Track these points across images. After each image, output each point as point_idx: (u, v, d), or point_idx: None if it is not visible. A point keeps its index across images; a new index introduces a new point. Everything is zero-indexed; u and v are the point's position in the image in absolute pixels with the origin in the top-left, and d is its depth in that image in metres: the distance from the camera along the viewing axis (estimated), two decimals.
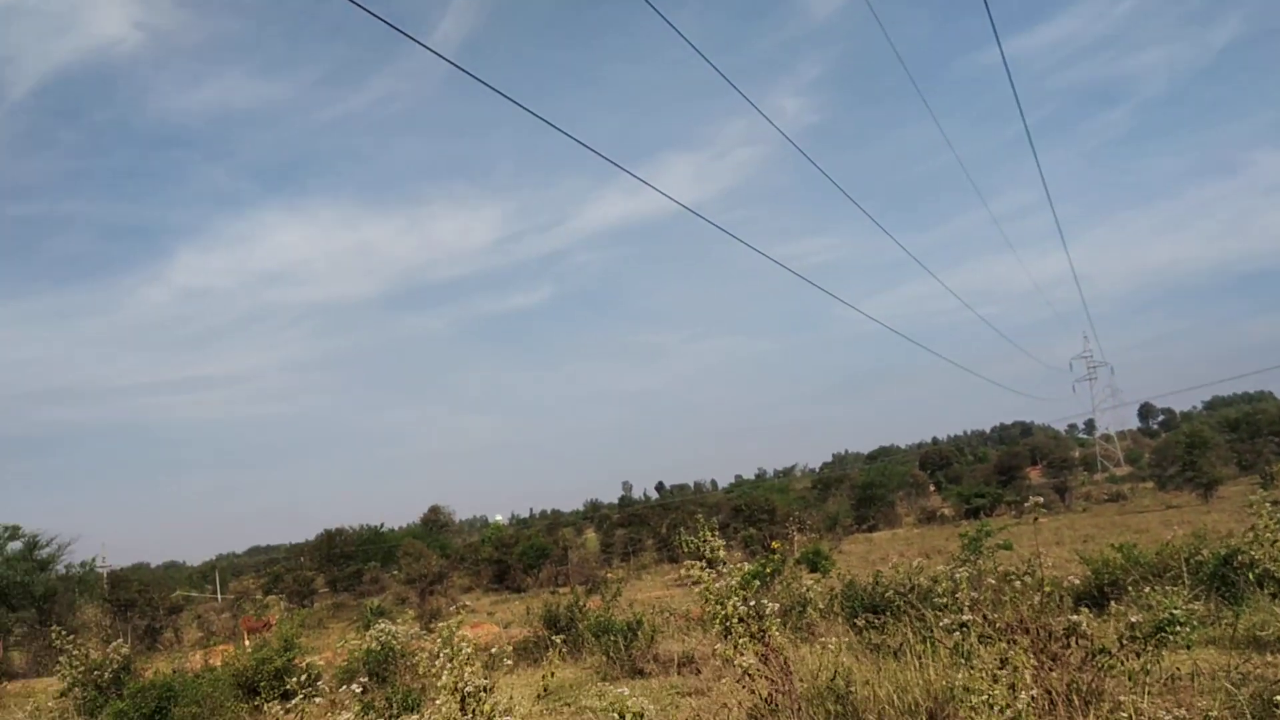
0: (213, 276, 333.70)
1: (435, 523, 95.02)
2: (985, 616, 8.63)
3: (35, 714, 16.90)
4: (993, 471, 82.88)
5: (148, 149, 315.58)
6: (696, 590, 9.20)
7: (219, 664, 18.81)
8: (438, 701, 7.37)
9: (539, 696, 11.93)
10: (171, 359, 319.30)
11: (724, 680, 12.50)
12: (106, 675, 18.57)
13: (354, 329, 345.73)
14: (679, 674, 14.14)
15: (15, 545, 44.70)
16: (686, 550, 10.01)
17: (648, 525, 57.63)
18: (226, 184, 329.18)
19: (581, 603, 20.05)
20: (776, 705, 8.60)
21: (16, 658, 33.93)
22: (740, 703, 10.17)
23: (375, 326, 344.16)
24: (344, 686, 10.56)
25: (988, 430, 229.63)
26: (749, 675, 8.76)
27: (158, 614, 37.06)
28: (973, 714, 6.98)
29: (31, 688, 25.49)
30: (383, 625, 19.15)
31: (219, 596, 61.03)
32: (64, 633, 20.75)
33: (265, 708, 12.16)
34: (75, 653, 19.22)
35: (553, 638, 15.68)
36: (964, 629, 8.67)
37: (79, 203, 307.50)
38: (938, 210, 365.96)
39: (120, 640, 21.24)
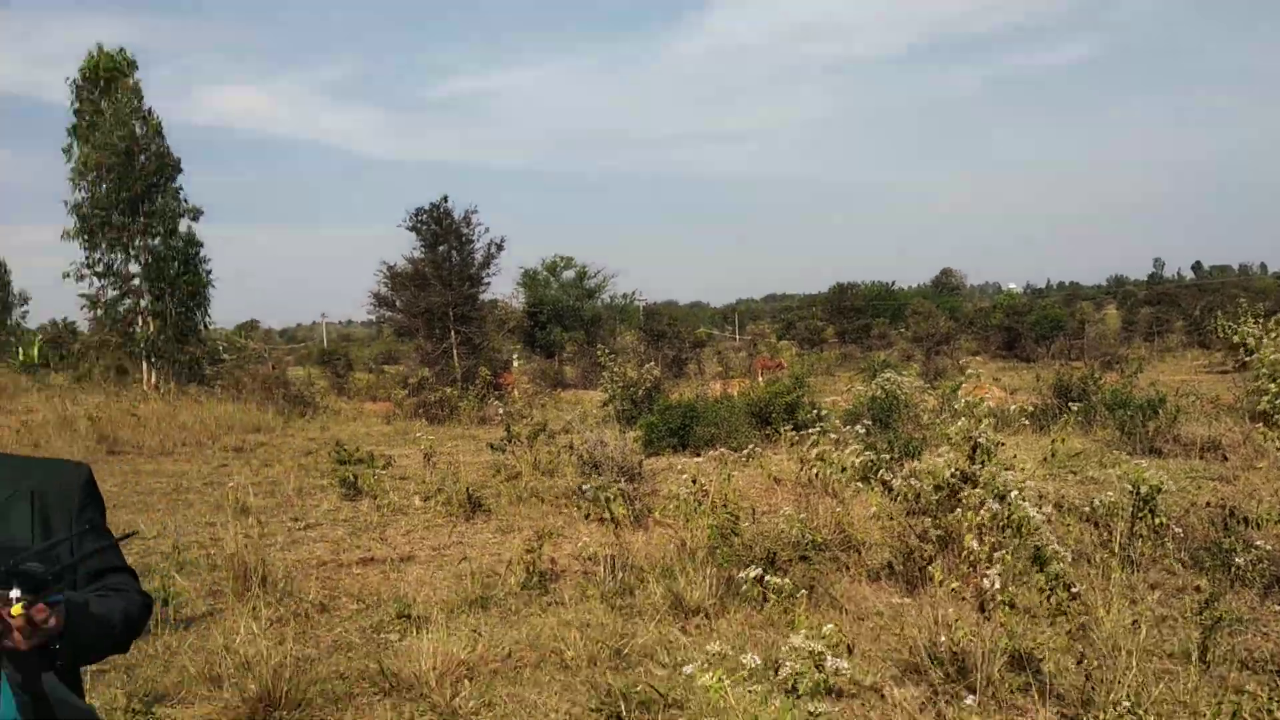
0: (744, 31, 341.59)
1: (946, 285, 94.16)
2: None
3: (583, 416, 19.59)
4: None
5: None
6: (1249, 360, 8.37)
7: (735, 394, 20.37)
8: (940, 450, 7.44)
9: (1044, 460, 11.72)
10: (702, 112, 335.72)
11: (1257, 469, 11.50)
12: (640, 392, 20.95)
13: (878, 85, 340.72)
14: (1200, 458, 13.18)
15: (569, 274, 50.98)
16: (1222, 335, 9.14)
17: (1178, 306, 52.63)
18: None
19: (1097, 376, 19.12)
20: None
21: (568, 371, 38.97)
22: (1275, 492, 9.34)
23: (900, 83, 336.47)
24: (848, 426, 11.05)
25: None
26: None
27: (683, 346, 40.37)
28: None
29: (580, 397, 29.19)
30: (888, 375, 19.59)
31: (737, 337, 65.46)
32: (607, 353, 23.60)
33: (778, 434, 13.14)
34: (616, 370, 21.88)
35: (1067, 405, 15.17)
36: None
37: None
38: None
39: (652, 364, 23.71)
